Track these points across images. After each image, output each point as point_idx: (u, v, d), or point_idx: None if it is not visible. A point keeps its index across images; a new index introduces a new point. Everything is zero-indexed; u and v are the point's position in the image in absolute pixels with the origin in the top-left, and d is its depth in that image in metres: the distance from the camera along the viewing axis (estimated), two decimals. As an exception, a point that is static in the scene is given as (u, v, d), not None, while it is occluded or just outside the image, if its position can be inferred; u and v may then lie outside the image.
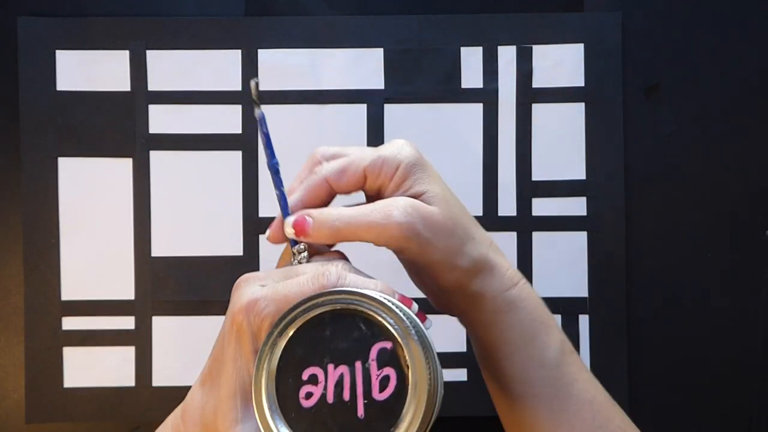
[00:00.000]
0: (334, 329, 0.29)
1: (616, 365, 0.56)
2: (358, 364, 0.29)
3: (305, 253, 0.37)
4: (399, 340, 0.28)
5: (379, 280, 0.33)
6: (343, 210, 0.37)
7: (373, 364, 0.29)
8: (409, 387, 0.28)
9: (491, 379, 0.42)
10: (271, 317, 0.32)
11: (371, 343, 0.29)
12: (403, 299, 0.32)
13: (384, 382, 0.29)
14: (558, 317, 0.56)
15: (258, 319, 0.32)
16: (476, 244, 0.39)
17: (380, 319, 0.29)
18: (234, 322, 0.33)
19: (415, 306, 0.33)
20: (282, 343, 0.30)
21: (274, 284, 0.33)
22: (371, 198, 0.40)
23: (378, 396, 0.29)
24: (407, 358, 0.28)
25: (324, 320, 0.29)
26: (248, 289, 0.33)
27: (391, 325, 0.29)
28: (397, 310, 0.29)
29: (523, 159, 0.57)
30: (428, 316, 0.34)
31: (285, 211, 0.38)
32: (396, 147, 0.39)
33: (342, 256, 0.39)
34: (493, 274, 0.39)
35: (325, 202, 0.40)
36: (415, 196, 0.38)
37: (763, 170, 0.57)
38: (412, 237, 0.36)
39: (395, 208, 0.36)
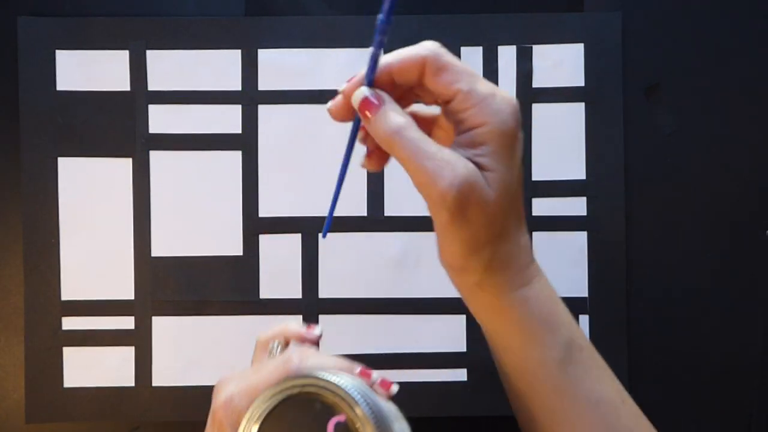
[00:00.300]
0: (296, 411, 0.32)
1: (616, 365, 0.56)
2: None
3: (279, 347, 0.39)
4: (350, 412, 0.31)
5: (339, 358, 0.36)
6: (412, 130, 0.35)
7: None
8: None
9: (497, 367, 0.41)
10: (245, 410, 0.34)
11: (328, 419, 0.31)
12: (364, 372, 0.35)
13: None
14: (558, 317, 0.56)
15: (235, 413, 0.33)
16: (505, 245, 0.36)
17: (334, 394, 0.31)
18: (214, 420, 0.34)
19: (376, 376, 0.36)
20: None
21: (247, 380, 0.34)
22: (449, 116, 0.37)
23: None
24: (360, 427, 0.31)
25: (287, 405, 0.32)
26: (226, 388, 0.35)
27: (342, 399, 0.31)
28: (346, 385, 0.32)
29: (523, 159, 0.57)
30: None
31: (369, 76, 0.36)
32: (502, 103, 0.35)
33: (315, 343, 0.39)
34: (503, 273, 0.37)
35: (412, 83, 0.37)
36: (482, 167, 0.35)
37: (763, 170, 0.57)
38: (446, 209, 0.34)
39: (452, 171, 0.34)
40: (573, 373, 0.38)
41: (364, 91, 0.36)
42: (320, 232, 0.56)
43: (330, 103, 0.38)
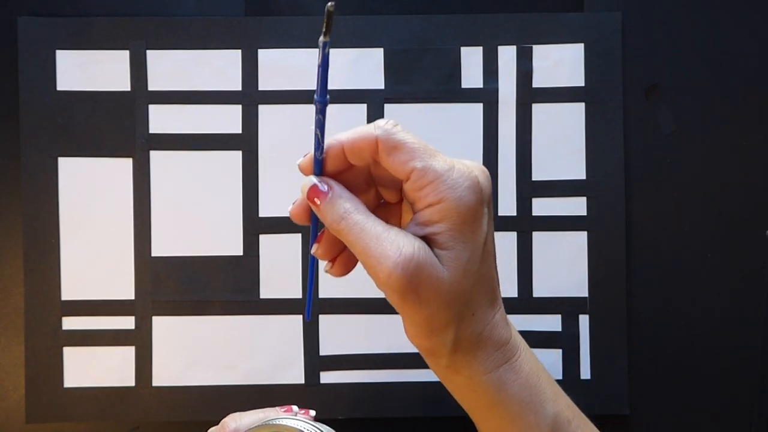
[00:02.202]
0: None
1: (616, 365, 0.56)
2: None
3: None
4: None
5: (262, 409, 0.42)
6: (358, 213, 0.34)
7: None
8: None
9: None
10: None
11: None
12: (288, 408, 0.42)
13: None
14: (558, 317, 0.56)
15: None
16: (471, 325, 0.34)
17: (288, 428, 0.40)
18: None
19: (296, 408, 0.43)
20: None
21: None
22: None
23: None
24: None
25: None
26: None
27: (298, 429, 0.39)
28: (291, 422, 0.39)
29: (523, 159, 0.57)
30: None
31: (317, 156, 0.35)
32: (460, 178, 0.33)
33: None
34: (474, 355, 0.35)
35: (366, 162, 0.36)
36: (437, 245, 0.33)
37: (763, 170, 0.57)
38: (394, 291, 0.33)
39: (396, 251, 0.32)
40: None
41: (312, 179, 0.35)
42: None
43: (291, 207, 0.37)
